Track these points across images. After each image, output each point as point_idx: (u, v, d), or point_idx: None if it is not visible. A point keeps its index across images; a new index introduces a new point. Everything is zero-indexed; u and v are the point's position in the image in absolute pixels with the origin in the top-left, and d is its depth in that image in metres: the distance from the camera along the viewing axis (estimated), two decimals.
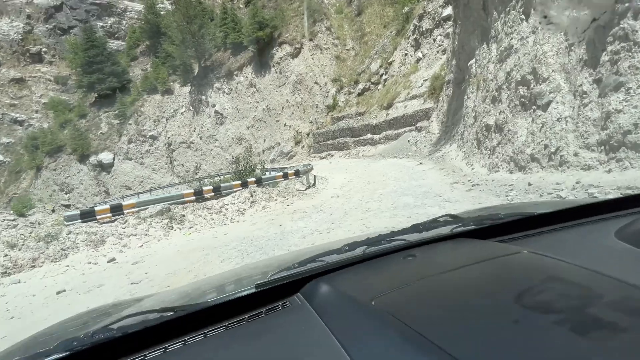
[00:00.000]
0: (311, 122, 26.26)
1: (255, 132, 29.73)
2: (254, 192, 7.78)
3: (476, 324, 0.57)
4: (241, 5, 38.10)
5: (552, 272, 0.71)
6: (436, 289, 0.75)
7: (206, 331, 0.74)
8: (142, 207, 6.60)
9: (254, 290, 0.85)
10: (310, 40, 27.98)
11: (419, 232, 1.07)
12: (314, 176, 11.93)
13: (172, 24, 32.66)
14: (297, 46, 27.96)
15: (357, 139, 20.96)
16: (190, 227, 6.18)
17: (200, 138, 33.06)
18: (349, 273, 0.90)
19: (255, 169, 12.38)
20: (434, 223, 1.14)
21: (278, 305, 0.81)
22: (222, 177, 14.79)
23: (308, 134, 25.77)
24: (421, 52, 19.08)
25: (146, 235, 5.75)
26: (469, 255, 0.91)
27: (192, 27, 31.24)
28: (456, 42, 13.35)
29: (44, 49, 50.78)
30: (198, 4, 35.36)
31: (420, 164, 11.32)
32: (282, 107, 28.06)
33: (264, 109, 29.18)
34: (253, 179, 8.50)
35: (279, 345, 0.66)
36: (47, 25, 51.57)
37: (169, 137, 34.50)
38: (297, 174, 9.45)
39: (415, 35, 19.85)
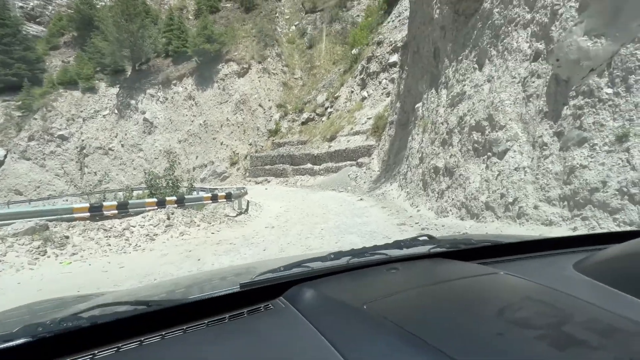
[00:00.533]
0: (250, 144, 25.12)
1: (188, 147, 27.48)
2: (172, 213, 6.38)
3: (466, 331, 0.59)
4: (190, 17, 36.59)
5: (529, 292, 0.77)
6: (422, 299, 0.77)
7: (185, 327, 0.71)
8: (5, 222, 4.75)
9: (237, 289, 0.85)
10: (259, 62, 27.50)
11: (399, 248, 1.14)
12: (247, 202, 10.79)
13: (108, 19, 29.64)
14: (244, 66, 27.20)
15: (297, 167, 20.35)
16: (73, 254, 4.59)
17: (122, 145, 29.49)
18: (333, 280, 0.92)
19: (179, 186, 10.79)
20: (413, 241, 1.21)
21: (260, 307, 0.81)
22: (142, 191, 12.65)
23: (246, 156, 24.50)
24: (367, 91, 19.68)
25: None
26: (449, 273, 0.95)
27: (131, 25, 28.69)
28: (402, 86, 13.83)
29: None
30: (142, 4, 33.00)
31: (361, 199, 10.95)
32: (221, 125, 26.54)
33: (200, 124, 27.28)
34: (173, 198, 7.01)
35: (262, 344, 0.65)
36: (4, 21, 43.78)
37: (83, 140, 30.17)
38: (228, 197, 8.22)
39: (362, 75, 20.53)
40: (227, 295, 0.82)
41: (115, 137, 29.94)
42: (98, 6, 36.67)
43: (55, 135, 29.86)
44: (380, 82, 19.01)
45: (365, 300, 0.73)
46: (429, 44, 9.38)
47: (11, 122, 31.62)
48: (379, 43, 19.86)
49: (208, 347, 0.65)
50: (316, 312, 0.71)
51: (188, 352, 0.63)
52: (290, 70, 28.74)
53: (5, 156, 29.50)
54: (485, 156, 5.14)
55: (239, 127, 26.01)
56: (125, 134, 29.66)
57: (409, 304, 0.74)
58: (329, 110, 22.77)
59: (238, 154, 25.06)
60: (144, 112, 29.40)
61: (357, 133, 17.45)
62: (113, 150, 29.58)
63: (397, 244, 1.14)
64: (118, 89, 31.07)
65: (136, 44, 29.26)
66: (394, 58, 18.63)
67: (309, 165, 19.61)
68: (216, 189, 14.08)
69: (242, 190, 9.60)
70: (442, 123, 7.05)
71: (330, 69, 27.18)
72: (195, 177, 25.80)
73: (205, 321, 0.73)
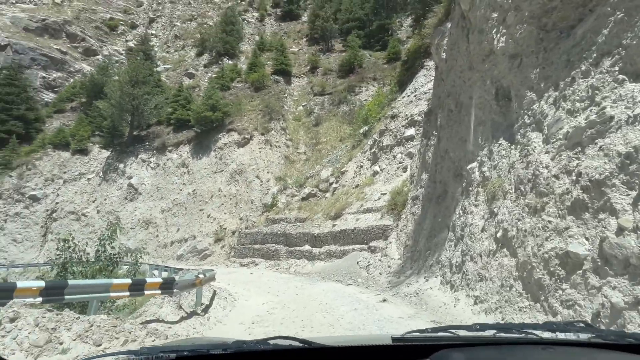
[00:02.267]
0: (241, 219, 21.85)
1: (170, 217, 24.15)
2: (15, 319, 2.87)
3: None
4: (201, 94, 37.00)
5: None
6: None
7: None
8: None
9: (389, 342, 0.93)
10: (262, 134, 26.02)
11: (551, 331, 1.07)
12: (214, 293, 7.14)
13: (115, 82, 29.33)
14: (246, 136, 25.62)
15: (292, 249, 16.73)
16: None
17: (98, 211, 26.19)
18: (481, 350, 0.91)
19: (118, 262, 7.27)
20: (568, 325, 1.12)
21: None
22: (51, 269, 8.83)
23: (234, 232, 21.00)
24: (379, 166, 17.29)
25: None
26: None
27: (136, 90, 28.09)
28: (429, 154, 11.28)
29: None
30: (157, 79, 33.20)
31: (384, 300, 7.27)
32: (212, 196, 23.67)
33: (189, 193, 24.45)
34: (34, 285, 3.27)
35: None
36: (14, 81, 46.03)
37: (57, 203, 27.01)
38: (166, 287, 4.66)
39: (374, 149, 18.42)
40: (377, 347, 0.94)
41: (93, 201, 26.86)
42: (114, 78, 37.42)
43: (27, 196, 26.81)
44: (395, 157, 16.72)
45: None
46: (484, 87, 6.95)
47: None
48: (393, 117, 18.24)
49: None
50: None
51: None
52: (294, 144, 27.19)
53: None
54: None
55: (231, 198, 23.11)
56: (105, 199, 26.63)
57: None
58: (333, 185, 20.14)
59: (226, 229, 21.61)
60: (130, 177, 26.88)
61: (368, 211, 14.39)
62: (86, 216, 26.18)
63: (549, 326, 1.09)
64: (110, 152, 29.17)
65: (138, 108, 28.32)
66: (411, 132, 16.71)
67: (306, 248, 16.04)
68: (182, 269, 10.38)
69: (205, 275, 6.06)
70: (552, 177, 3.99)
71: (336, 146, 25.55)
72: (171, 255, 21.91)
73: None
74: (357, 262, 12.12)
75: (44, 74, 46.81)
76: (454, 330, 1.00)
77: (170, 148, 27.66)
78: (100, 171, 28.21)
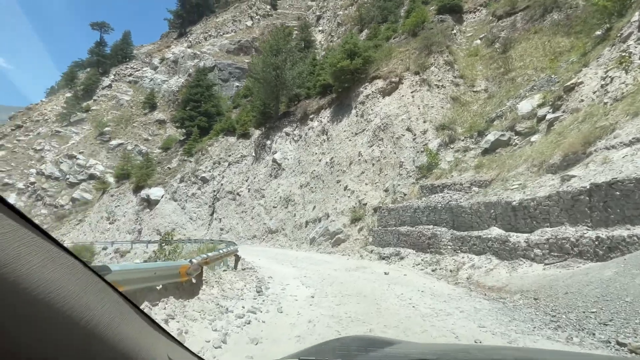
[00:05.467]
0: (386, 191, 15.06)
1: (308, 193, 19.99)
2: None
3: None
4: None
5: None
6: None
7: None
8: None
9: None
10: (416, 74, 18.20)
11: None
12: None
13: (259, 58, 28.14)
14: (393, 79, 18.48)
15: (464, 234, 8.72)
16: None
17: (248, 190, 25.24)
18: None
19: None
20: None
21: None
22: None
23: (376, 210, 14.51)
24: None
25: None
26: None
27: (277, 59, 25.69)
28: None
29: None
30: (300, 47, 30.65)
31: None
32: (350, 163, 17.92)
33: (326, 163, 19.60)
34: None
35: None
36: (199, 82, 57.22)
37: (221, 185, 28.01)
38: None
39: None
40: None
41: (246, 181, 26.26)
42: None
43: (199, 177, 29.04)
44: None
45: None
46: None
47: (180, 166, 33.75)
48: None
49: None
50: None
51: None
52: (468, 82, 17.96)
53: (163, 196, 30.55)
54: None
55: (373, 164, 16.66)
56: (254, 178, 25.49)
57: None
58: (548, 117, 10.44)
59: (365, 204, 15.37)
60: (274, 153, 24.69)
61: None
62: (240, 195, 25.74)
63: None
64: (262, 130, 28.28)
65: (279, 77, 25.86)
66: None
67: (495, 232, 7.71)
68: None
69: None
70: None
71: (544, 67, 14.90)
72: (304, 237, 17.59)
73: None
74: None
75: (237, 84, 54.09)
76: None
77: (311, 116, 23.82)
78: (253, 150, 27.55)
